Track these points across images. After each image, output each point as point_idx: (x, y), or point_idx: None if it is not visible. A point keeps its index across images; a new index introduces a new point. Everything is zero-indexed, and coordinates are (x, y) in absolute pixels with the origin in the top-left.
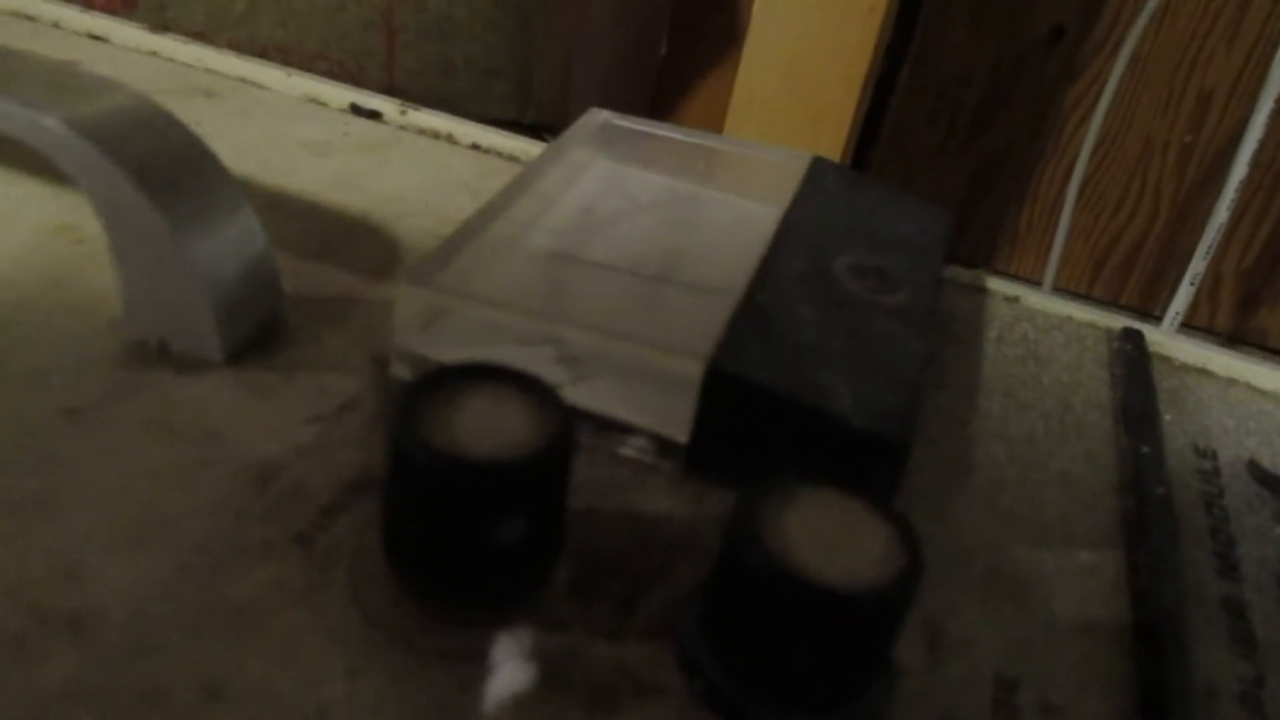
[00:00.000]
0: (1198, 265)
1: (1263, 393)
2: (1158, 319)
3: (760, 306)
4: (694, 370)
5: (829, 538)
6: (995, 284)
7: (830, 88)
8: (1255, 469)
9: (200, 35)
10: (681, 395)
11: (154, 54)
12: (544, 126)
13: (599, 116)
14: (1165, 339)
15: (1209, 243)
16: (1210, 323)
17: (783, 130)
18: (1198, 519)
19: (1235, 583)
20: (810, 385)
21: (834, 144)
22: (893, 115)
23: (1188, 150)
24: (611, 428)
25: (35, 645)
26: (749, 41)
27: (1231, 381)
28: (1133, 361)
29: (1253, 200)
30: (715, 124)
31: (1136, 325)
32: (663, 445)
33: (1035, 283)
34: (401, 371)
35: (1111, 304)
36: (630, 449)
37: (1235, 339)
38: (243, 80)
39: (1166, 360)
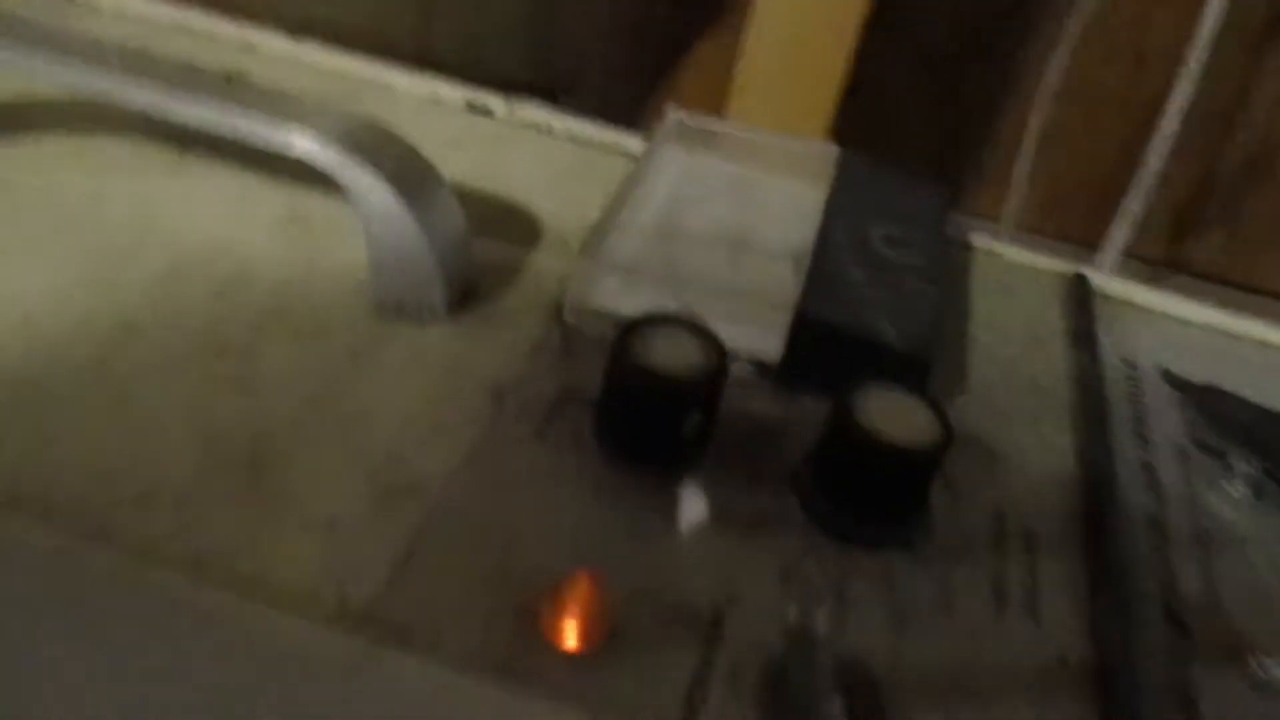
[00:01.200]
0: (1134, 205)
1: (1175, 319)
2: (1098, 249)
3: (823, 269)
4: (785, 315)
5: (894, 417)
6: (979, 240)
7: (822, 60)
8: (1167, 375)
9: (245, 9)
10: (774, 329)
11: (296, 60)
12: (557, 87)
13: (674, 116)
14: (1104, 280)
15: (1144, 186)
16: (1144, 253)
17: (781, 96)
18: (1123, 408)
19: (1147, 449)
20: (865, 323)
21: (824, 108)
22: (869, 77)
23: (1125, 104)
24: None
25: (386, 505)
26: (753, 27)
27: (1150, 311)
28: (1080, 298)
29: (1182, 150)
30: (714, 87)
31: (1084, 270)
32: (760, 366)
33: (994, 218)
34: (572, 319)
35: (1059, 237)
36: (737, 370)
37: (1165, 265)
38: (373, 83)
39: (1105, 295)
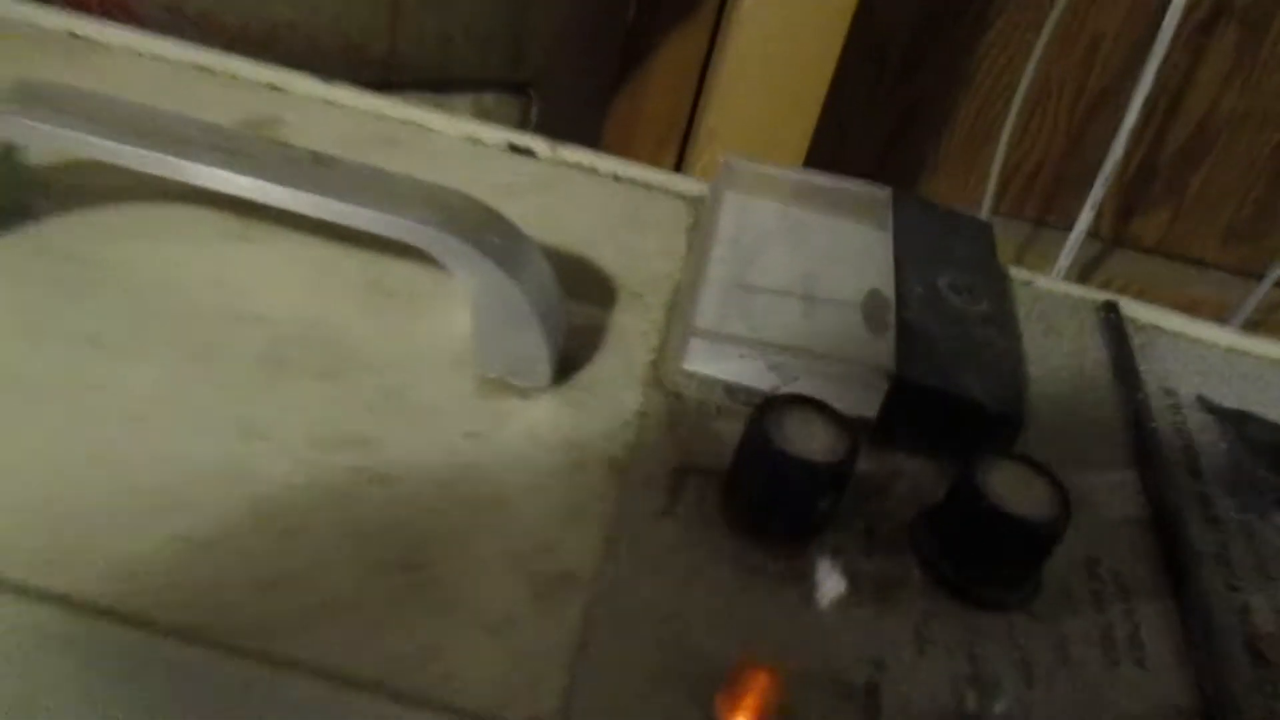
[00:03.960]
0: (1098, 193)
1: (1199, 341)
2: (1054, 228)
3: (908, 325)
4: (883, 379)
5: (1015, 488)
6: (1013, 271)
7: (805, 68)
8: (1203, 401)
9: (212, 13)
10: (869, 392)
11: (329, 102)
12: (526, 83)
13: (729, 161)
14: (1131, 307)
15: (1107, 173)
16: (1096, 229)
17: (762, 103)
18: (1172, 438)
19: (1200, 481)
20: (957, 382)
21: (811, 102)
22: None
23: (1080, 89)
24: None
25: (547, 599)
26: (733, 34)
27: (1175, 335)
28: (1116, 328)
29: (1142, 135)
30: (681, 85)
31: (1113, 298)
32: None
33: (955, 203)
34: (671, 384)
35: (1016, 216)
36: None
37: (1117, 243)
38: (407, 123)
39: (1133, 320)
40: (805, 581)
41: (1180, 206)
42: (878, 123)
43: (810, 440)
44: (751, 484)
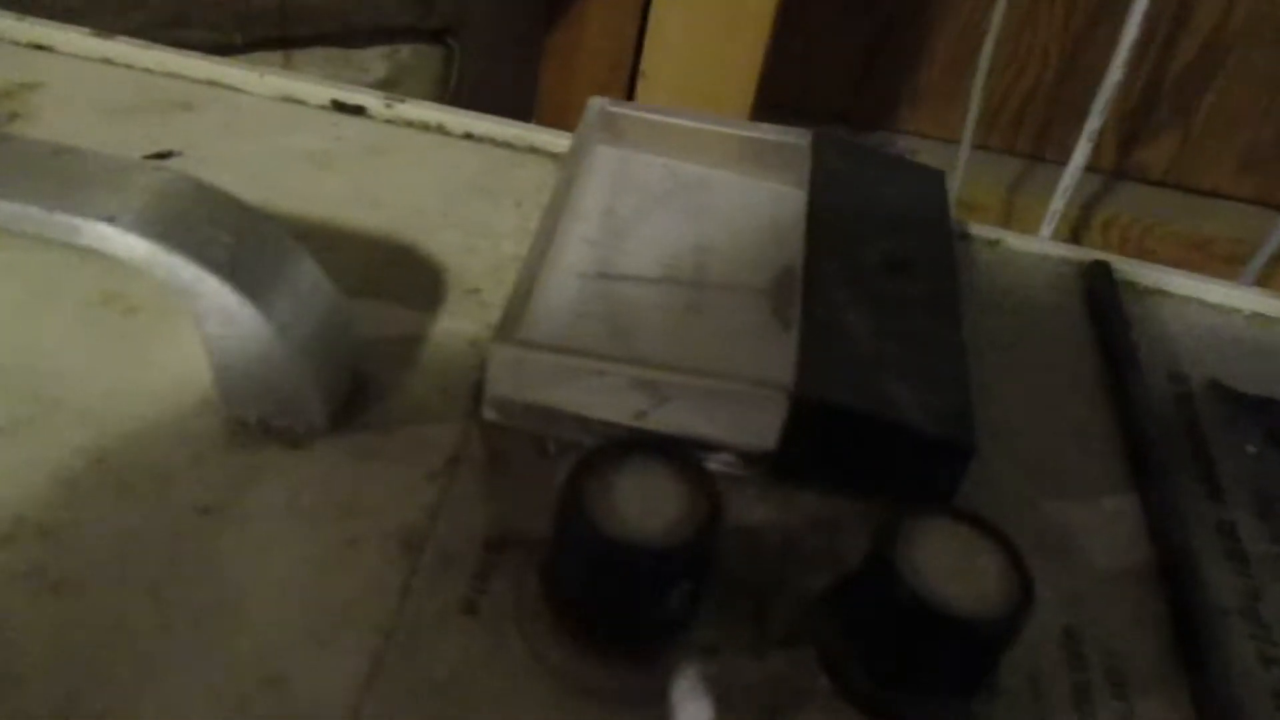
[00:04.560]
0: (1095, 122)
1: (1211, 306)
2: (1049, 162)
3: (818, 321)
4: (781, 399)
5: (950, 564)
6: (976, 230)
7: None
8: (1218, 388)
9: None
10: (766, 414)
11: (107, 60)
12: (444, 30)
13: (596, 105)
14: (1122, 264)
15: (1105, 98)
16: (1098, 164)
17: (706, 22)
18: (1182, 445)
19: (1220, 503)
20: (882, 399)
21: (757, 35)
22: None
23: (1071, 4)
24: (695, 444)
25: None
26: None
27: (1183, 299)
28: (1106, 296)
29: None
30: (621, 18)
31: (1101, 259)
32: (747, 457)
33: (940, 140)
34: (492, 415)
35: (1006, 151)
36: (717, 463)
37: (1118, 174)
38: (213, 83)
39: (1129, 283)
40: (656, 706)
41: (1189, 132)
42: (845, 50)
43: (651, 510)
44: (571, 576)
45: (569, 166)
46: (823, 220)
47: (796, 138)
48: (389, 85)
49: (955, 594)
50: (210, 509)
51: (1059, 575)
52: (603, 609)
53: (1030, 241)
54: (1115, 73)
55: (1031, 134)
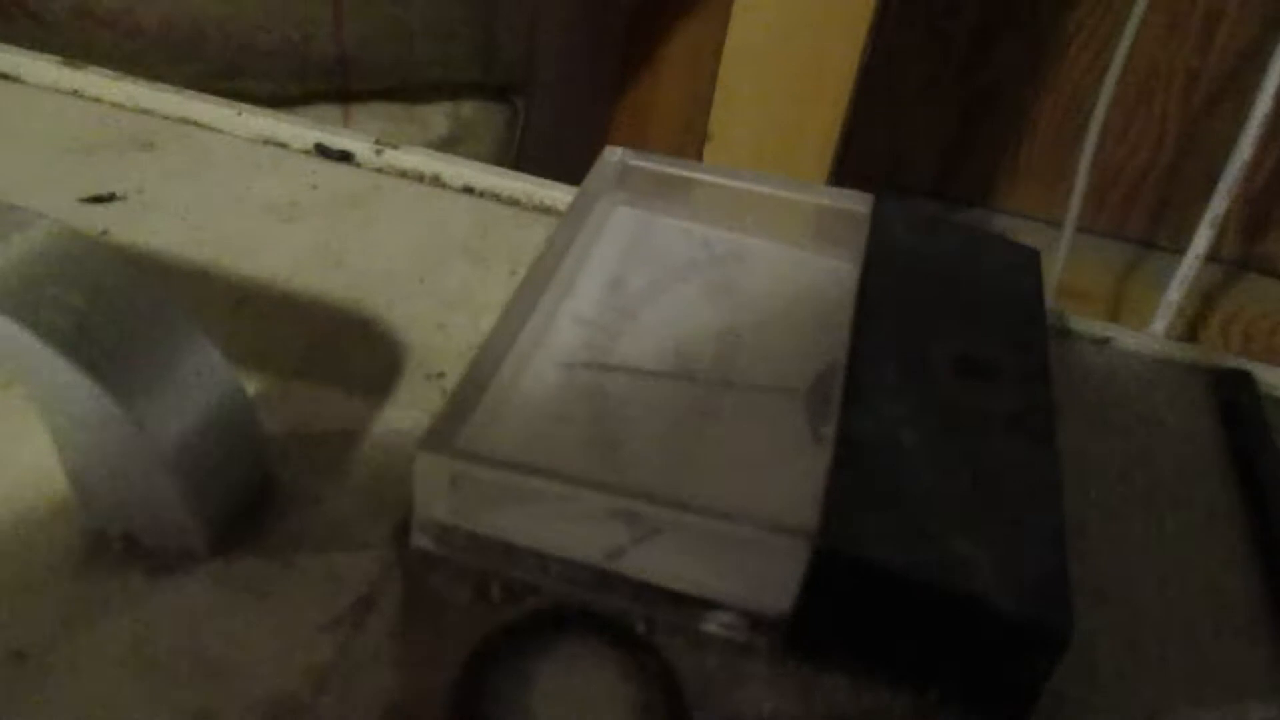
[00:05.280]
0: (1219, 205)
1: None
2: (1164, 249)
3: (860, 441)
4: (800, 547)
5: None
6: (1081, 324)
7: (829, 33)
8: None
9: (127, 12)
10: (779, 565)
11: (75, 93)
12: (509, 86)
13: (614, 156)
14: (1270, 375)
15: (1230, 180)
16: (1217, 249)
17: (779, 81)
18: None
19: None
20: (940, 558)
21: (836, 96)
22: (879, 50)
23: (1194, 75)
24: (685, 599)
25: None
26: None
27: None
28: (1249, 415)
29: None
30: (697, 77)
31: (1242, 367)
32: (753, 620)
33: (1043, 220)
34: (424, 543)
35: (1116, 235)
36: (715, 625)
37: (1243, 265)
38: (185, 121)
39: (1275, 395)
40: None
41: None
42: (940, 120)
43: (579, 711)
44: None
45: (569, 226)
46: (878, 305)
47: (856, 203)
48: (450, 143)
49: None
50: (24, 655)
51: None
52: None
53: (1147, 340)
54: (1243, 151)
55: (1144, 216)
